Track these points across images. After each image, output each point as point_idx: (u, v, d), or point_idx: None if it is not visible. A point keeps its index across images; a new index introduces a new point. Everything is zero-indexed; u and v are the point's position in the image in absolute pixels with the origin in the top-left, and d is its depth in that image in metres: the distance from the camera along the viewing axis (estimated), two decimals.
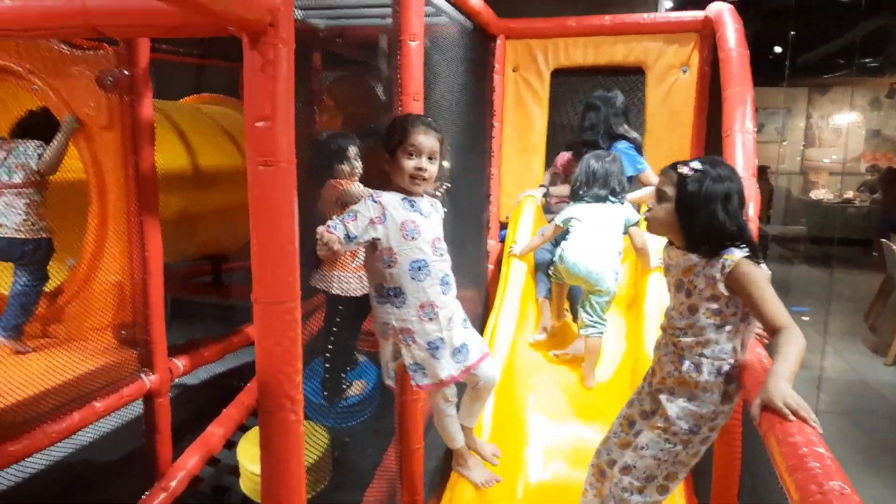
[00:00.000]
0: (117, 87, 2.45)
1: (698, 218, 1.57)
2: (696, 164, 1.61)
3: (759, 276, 1.53)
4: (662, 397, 1.72)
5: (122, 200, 2.53)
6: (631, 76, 3.54)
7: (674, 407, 1.67)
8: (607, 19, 3.26)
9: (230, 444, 2.90)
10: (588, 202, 2.73)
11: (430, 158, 1.84)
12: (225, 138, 3.66)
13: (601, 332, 2.69)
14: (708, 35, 3.15)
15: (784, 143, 9.81)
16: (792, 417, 1.27)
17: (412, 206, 1.87)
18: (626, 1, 4.40)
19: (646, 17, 3.22)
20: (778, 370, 1.37)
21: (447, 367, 1.96)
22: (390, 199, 1.85)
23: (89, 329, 2.57)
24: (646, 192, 2.97)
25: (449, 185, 2.27)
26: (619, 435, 1.90)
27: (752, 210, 2.07)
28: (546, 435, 2.57)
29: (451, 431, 2.19)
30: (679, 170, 1.61)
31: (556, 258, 2.78)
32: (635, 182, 3.24)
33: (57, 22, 1.37)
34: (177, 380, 2.89)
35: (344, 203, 2.51)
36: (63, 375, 2.26)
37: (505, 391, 2.56)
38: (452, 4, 2.81)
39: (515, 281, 2.96)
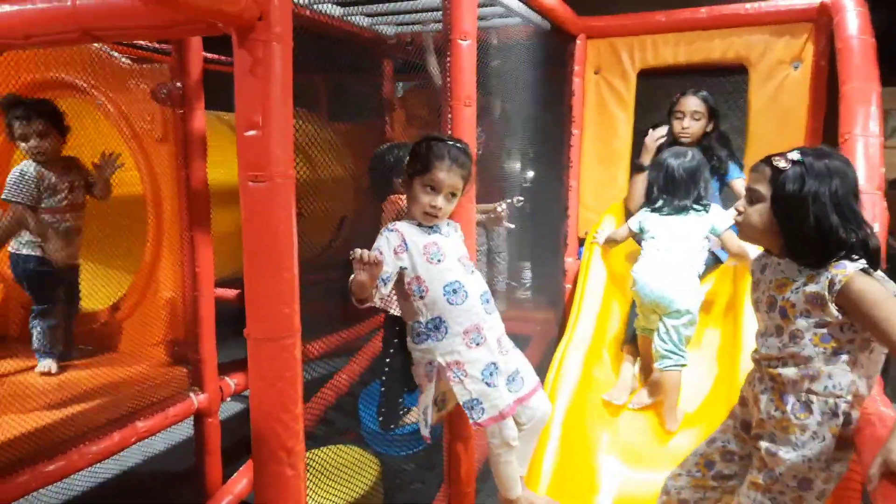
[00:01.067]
0: (170, 100, 2.39)
1: (803, 222, 1.30)
2: (795, 155, 1.34)
3: (882, 293, 1.24)
4: (763, 445, 1.42)
5: (176, 214, 2.48)
6: (730, 76, 3.15)
7: (777, 458, 1.38)
8: (703, 11, 2.89)
9: None
10: (666, 214, 2.40)
11: (451, 194, 1.72)
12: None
13: (680, 365, 2.33)
14: (825, 24, 2.70)
15: None
16: None
17: (431, 229, 1.74)
18: None
19: (749, 6, 2.81)
20: None
21: (505, 397, 1.76)
22: (406, 226, 1.72)
23: (142, 345, 2.53)
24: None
25: (522, 200, 2.09)
26: (694, 475, 1.66)
27: (877, 228, 1.67)
28: (620, 483, 2.25)
29: (509, 478, 1.93)
30: (774, 163, 1.35)
31: (631, 283, 2.45)
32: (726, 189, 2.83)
33: (49, 27, 1.26)
34: (234, 397, 2.82)
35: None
36: (107, 394, 2.21)
37: (571, 430, 2.26)
38: (525, 3, 2.56)
39: (592, 295, 2.66)
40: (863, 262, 1.28)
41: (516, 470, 1.94)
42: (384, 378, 2.64)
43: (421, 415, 1.81)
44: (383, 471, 2.54)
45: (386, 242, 1.67)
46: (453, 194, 1.72)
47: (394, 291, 1.75)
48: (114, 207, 2.62)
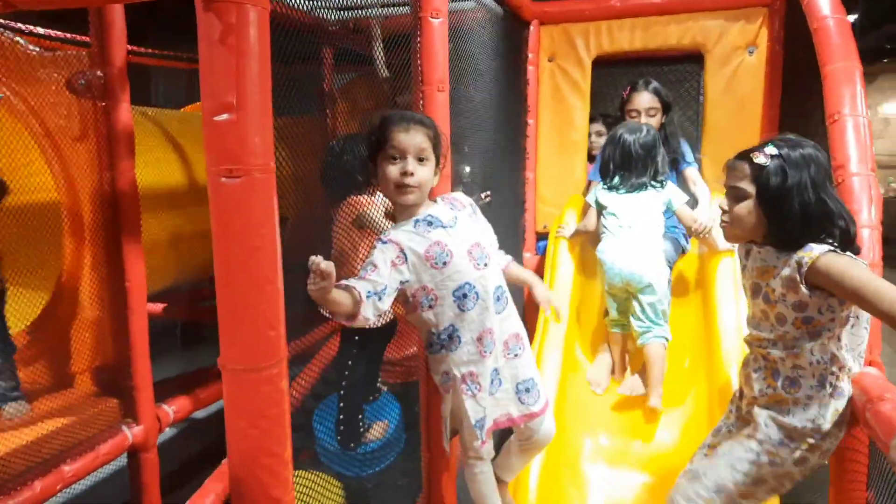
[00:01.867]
0: (90, 91, 2.08)
1: (790, 211, 1.36)
2: (772, 149, 1.39)
3: (847, 264, 1.30)
4: (755, 409, 1.51)
5: (99, 222, 2.16)
6: (685, 63, 3.11)
7: (763, 413, 1.48)
8: None
9: (228, 502, 2.50)
10: (625, 192, 2.35)
11: (419, 160, 1.47)
12: None
13: (663, 338, 2.28)
14: (779, 9, 2.69)
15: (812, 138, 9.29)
16: None
17: (429, 224, 1.49)
18: None
19: None
20: None
21: (508, 406, 1.63)
22: (401, 234, 1.48)
23: (62, 375, 2.20)
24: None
25: (489, 196, 1.89)
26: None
27: (874, 213, 1.62)
28: (608, 486, 2.14)
29: (482, 495, 1.76)
30: (754, 159, 1.39)
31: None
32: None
33: None
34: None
35: (362, 226, 2.10)
36: (24, 435, 1.89)
37: (555, 439, 2.12)
38: None
39: (562, 292, 2.52)
40: (829, 245, 1.33)
41: (491, 483, 1.77)
42: (342, 391, 2.42)
43: (444, 426, 1.68)
44: (346, 494, 2.32)
45: (381, 255, 1.44)
46: (423, 158, 1.47)
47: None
48: (23, 216, 2.27)
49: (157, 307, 3.78)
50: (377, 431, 2.60)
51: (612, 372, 2.45)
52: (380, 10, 2.79)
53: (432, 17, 1.71)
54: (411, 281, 1.47)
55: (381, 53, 2.73)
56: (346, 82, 3.74)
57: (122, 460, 2.31)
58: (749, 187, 1.40)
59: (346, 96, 3.55)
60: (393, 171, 1.46)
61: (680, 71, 3.36)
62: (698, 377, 2.36)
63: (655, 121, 2.60)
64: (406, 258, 1.45)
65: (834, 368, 1.41)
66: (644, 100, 2.58)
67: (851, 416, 1.55)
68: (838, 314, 1.36)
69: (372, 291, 1.36)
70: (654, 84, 2.61)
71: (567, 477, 2.14)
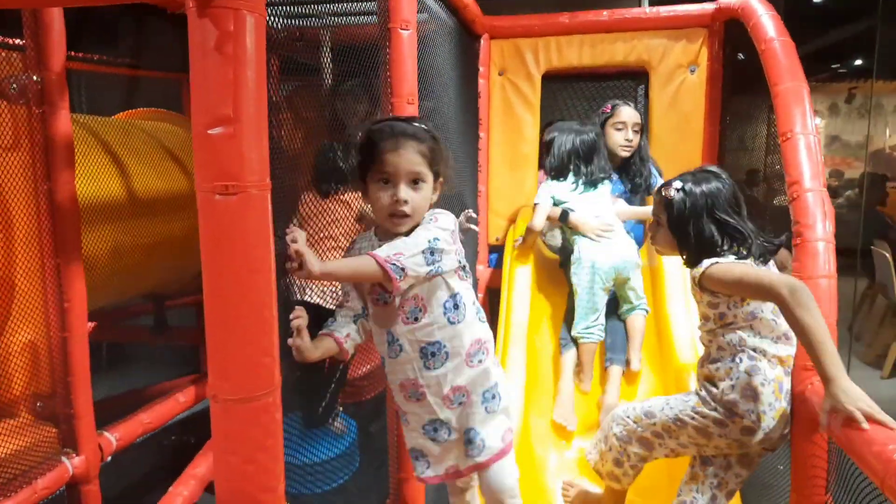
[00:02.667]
0: (24, 97, 1.93)
1: (688, 235, 1.67)
2: (678, 183, 1.70)
3: (725, 268, 1.58)
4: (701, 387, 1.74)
5: (34, 238, 2.00)
6: (630, 80, 3.21)
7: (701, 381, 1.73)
8: (605, 14, 2.90)
9: None
10: (585, 191, 2.51)
11: (413, 182, 1.35)
12: (166, 158, 3.13)
13: (645, 309, 2.49)
14: (718, 30, 2.82)
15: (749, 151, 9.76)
16: (866, 425, 1.30)
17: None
18: None
19: (649, 11, 2.87)
20: (829, 367, 1.38)
21: (458, 457, 1.52)
22: (361, 244, 1.44)
23: None
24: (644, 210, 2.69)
25: (474, 215, 1.81)
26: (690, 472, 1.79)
27: (828, 227, 1.70)
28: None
29: None
30: (664, 193, 1.72)
31: (578, 268, 2.44)
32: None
33: None
34: None
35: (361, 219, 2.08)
36: None
37: (524, 457, 2.11)
38: None
39: (520, 308, 2.53)
40: (713, 259, 1.61)
41: None
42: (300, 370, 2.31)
43: None
44: None
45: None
46: (419, 180, 1.35)
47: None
48: None
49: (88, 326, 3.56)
50: (340, 426, 2.55)
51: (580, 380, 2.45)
52: (331, 19, 2.73)
53: (402, 29, 1.68)
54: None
55: (329, 63, 2.67)
56: (290, 91, 3.65)
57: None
58: (663, 215, 1.72)
59: (290, 105, 3.45)
60: (384, 197, 1.34)
61: (619, 87, 3.46)
62: (655, 374, 2.44)
63: (638, 138, 2.65)
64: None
65: (745, 349, 1.62)
66: (630, 113, 2.65)
67: (810, 421, 1.63)
68: (741, 309, 1.62)
69: (355, 316, 1.40)
70: (627, 104, 2.70)
71: (534, 490, 2.13)
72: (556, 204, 2.51)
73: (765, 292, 1.50)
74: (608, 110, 2.67)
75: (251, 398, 0.93)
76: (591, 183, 2.50)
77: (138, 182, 2.80)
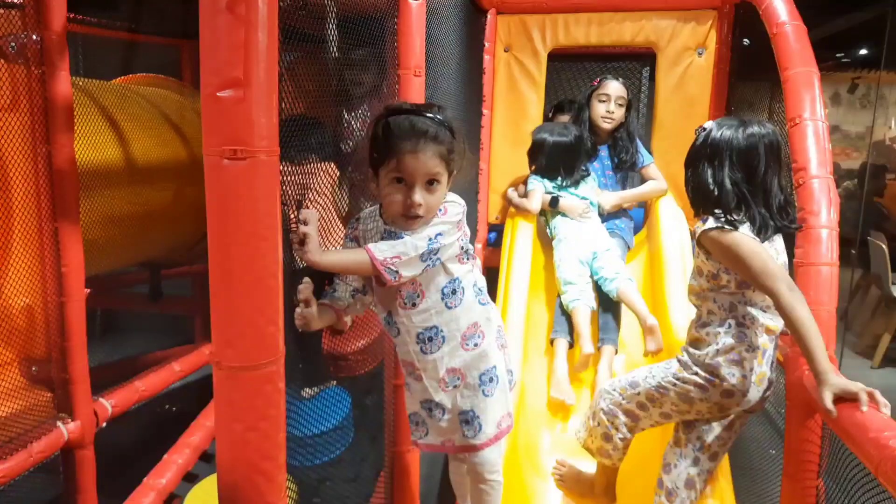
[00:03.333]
0: (22, 56, 1.89)
1: (689, 178, 1.64)
2: (709, 123, 1.63)
3: (738, 240, 1.51)
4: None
5: (31, 201, 1.98)
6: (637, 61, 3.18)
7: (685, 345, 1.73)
8: None
9: (171, 498, 2.37)
10: (569, 188, 2.62)
11: (429, 184, 1.29)
12: (165, 124, 3.09)
13: (629, 278, 2.47)
14: (728, 12, 2.79)
15: None
16: (866, 406, 1.34)
17: (385, 239, 1.36)
18: None
19: None
20: (823, 363, 1.40)
21: (452, 434, 1.52)
22: (366, 229, 1.40)
23: None
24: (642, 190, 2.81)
25: None
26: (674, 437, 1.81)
27: (833, 214, 1.69)
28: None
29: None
30: (694, 130, 1.66)
31: (559, 245, 2.55)
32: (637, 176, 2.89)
33: None
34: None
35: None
36: None
37: (515, 434, 2.12)
38: None
39: (516, 293, 2.52)
40: (722, 221, 1.53)
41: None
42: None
43: None
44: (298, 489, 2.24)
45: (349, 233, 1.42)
46: (434, 181, 1.29)
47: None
48: None
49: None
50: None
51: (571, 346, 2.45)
52: None
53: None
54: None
55: (335, 33, 2.63)
56: (291, 61, 3.59)
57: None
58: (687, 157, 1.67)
59: (292, 75, 3.41)
60: (397, 196, 1.29)
61: (625, 69, 3.44)
62: (651, 360, 2.44)
63: (621, 113, 2.68)
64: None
65: (735, 315, 1.61)
66: (616, 87, 2.69)
67: (804, 406, 1.64)
68: (734, 276, 1.58)
69: (356, 289, 1.41)
70: (622, 79, 2.70)
71: (529, 470, 2.15)
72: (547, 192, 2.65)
73: (763, 282, 1.48)
74: (596, 83, 2.74)
75: (255, 366, 0.93)
76: (574, 182, 2.63)
77: (136, 148, 2.77)
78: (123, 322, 5.06)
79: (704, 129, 1.62)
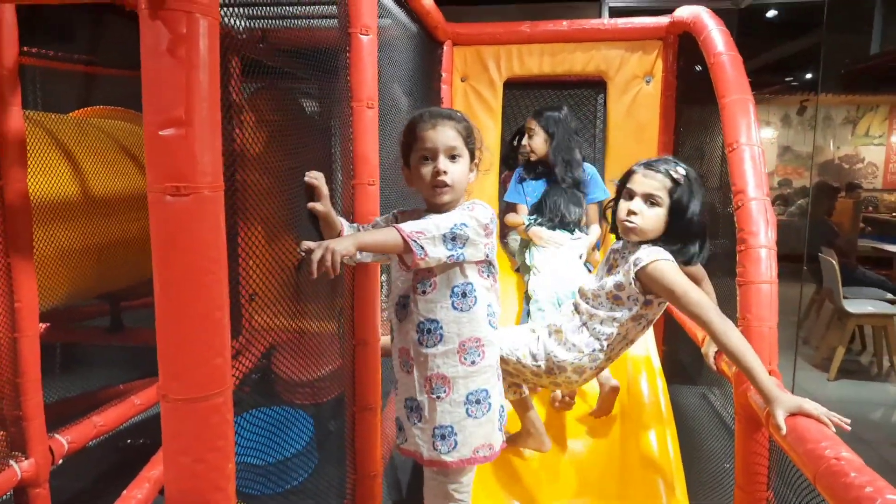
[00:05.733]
0: None
1: (690, 221, 1.65)
2: (682, 169, 1.67)
3: (677, 271, 1.59)
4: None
5: None
6: (590, 89, 3.28)
7: (546, 332, 1.82)
8: (564, 24, 2.97)
9: None
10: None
11: (451, 157, 1.47)
12: (122, 156, 3.08)
13: None
14: (672, 42, 2.91)
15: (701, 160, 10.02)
16: (828, 420, 1.37)
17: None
18: (571, 9, 4.15)
19: (606, 22, 2.94)
20: (767, 386, 1.44)
21: (421, 445, 1.55)
22: (408, 215, 1.56)
23: None
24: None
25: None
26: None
27: (770, 234, 1.77)
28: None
29: None
30: (672, 173, 1.65)
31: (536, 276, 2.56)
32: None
33: None
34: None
35: None
36: None
37: None
38: (399, 4, 2.42)
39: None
40: (666, 255, 1.62)
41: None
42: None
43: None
44: None
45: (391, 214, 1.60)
46: (456, 156, 1.46)
47: None
48: None
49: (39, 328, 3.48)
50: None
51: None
52: (292, 21, 2.73)
53: (361, 34, 1.70)
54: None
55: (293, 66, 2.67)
56: (251, 93, 3.63)
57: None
58: (665, 196, 1.65)
59: (252, 107, 3.43)
60: (426, 172, 1.46)
61: (579, 95, 3.54)
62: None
63: (535, 143, 2.73)
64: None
65: (602, 343, 1.73)
66: (529, 122, 2.77)
67: (751, 420, 1.69)
68: (637, 310, 1.68)
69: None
70: (549, 113, 2.75)
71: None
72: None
73: (697, 313, 1.53)
74: None
75: (202, 398, 0.94)
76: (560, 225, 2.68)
77: (94, 181, 2.76)
78: (83, 356, 4.95)
79: (686, 176, 1.66)
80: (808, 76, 7.27)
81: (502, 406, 1.60)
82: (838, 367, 4.86)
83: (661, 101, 2.96)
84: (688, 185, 1.65)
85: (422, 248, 1.33)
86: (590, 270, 2.71)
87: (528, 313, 2.53)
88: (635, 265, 1.63)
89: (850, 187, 8.08)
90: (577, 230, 2.67)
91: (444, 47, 3.01)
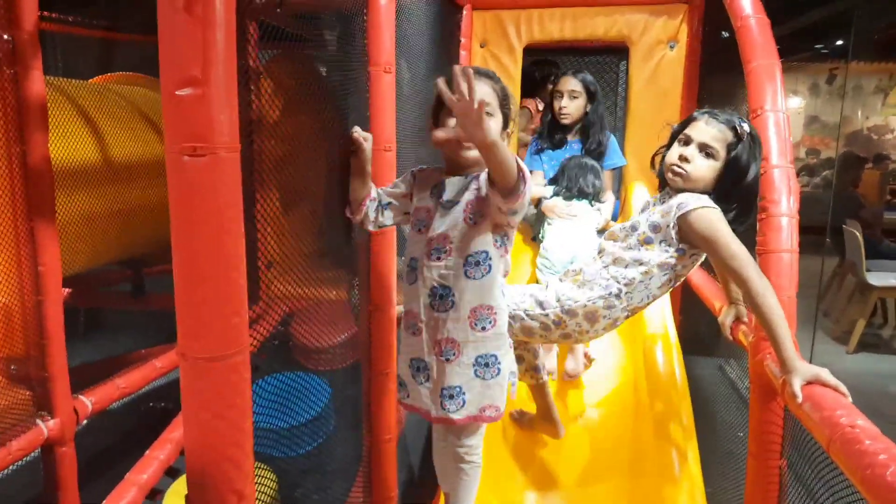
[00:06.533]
0: None
1: (739, 184, 1.59)
2: (747, 126, 1.60)
3: (723, 223, 1.55)
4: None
5: (6, 200, 1.99)
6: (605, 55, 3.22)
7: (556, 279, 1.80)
8: None
9: (153, 493, 2.39)
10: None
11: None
12: (143, 123, 3.10)
13: None
14: (698, 6, 2.83)
15: None
16: (844, 389, 1.35)
17: (434, 190, 1.52)
18: None
19: None
20: (790, 351, 1.42)
21: (430, 403, 1.57)
22: (426, 175, 1.56)
23: None
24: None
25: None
26: None
27: (792, 203, 1.74)
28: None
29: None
30: (737, 126, 1.59)
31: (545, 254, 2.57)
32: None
33: None
34: None
35: None
36: None
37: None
38: None
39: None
40: (712, 204, 1.59)
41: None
42: None
43: None
44: (278, 480, 2.27)
45: (401, 179, 1.60)
46: (489, 114, 1.37)
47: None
48: None
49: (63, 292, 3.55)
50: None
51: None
52: None
53: None
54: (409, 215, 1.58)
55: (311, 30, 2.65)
56: (269, 59, 3.61)
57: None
58: (722, 151, 1.58)
59: (270, 73, 3.42)
60: (451, 122, 1.40)
61: (600, 62, 3.48)
62: (625, 344, 2.50)
63: (575, 105, 2.71)
64: (413, 193, 1.57)
65: (622, 288, 1.65)
66: (568, 81, 2.73)
67: (767, 389, 1.69)
68: (666, 258, 1.61)
69: (377, 199, 1.56)
70: (583, 73, 2.72)
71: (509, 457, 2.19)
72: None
73: (737, 267, 1.50)
74: (556, 79, 2.81)
75: (221, 357, 0.95)
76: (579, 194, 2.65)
77: (115, 147, 2.78)
78: (107, 320, 5.06)
79: (749, 134, 1.61)
80: (839, 43, 7.06)
81: (513, 372, 1.60)
82: (858, 340, 4.81)
83: (684, 68, 2.90)
84: (749, 144, 1.58)
85: (525, 190, 1.31)
86: None
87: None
88: (679, 209, 1.57)
89: (878, 158, 7.90)
90: (595, 201, 2.65)
91: (464, 12, 2.96)
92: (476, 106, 1.18)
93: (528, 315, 1.72)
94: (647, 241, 1.64)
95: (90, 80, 3.54)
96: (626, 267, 1.65)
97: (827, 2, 5.41)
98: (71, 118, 2.57)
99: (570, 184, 2.61)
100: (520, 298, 1.74)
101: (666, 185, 1.71)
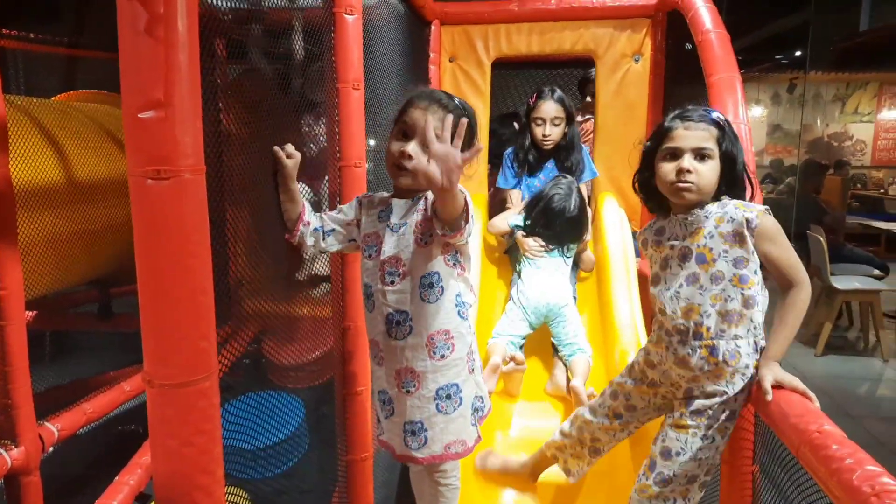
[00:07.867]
0: None
1: (738, 173, 1.54)
2: (720, 116, 1.54)
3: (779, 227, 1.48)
4: (697, 403, 1.55)
5: None
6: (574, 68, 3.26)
7: (707, 402, 1.53)
8: (553, 3, 2.93)
9: None
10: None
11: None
12: (107, 141, 3.05)
13: (582, 349, 2.43)
14: (661, 20, 2.89)
15: None
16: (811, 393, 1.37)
17: (381, 214, 1.46)
18: None
19: (595, 0, 2.91)
20: (781, 351, 1.42)
21: (393, 438, 1.53)
22: (372, 200, 1.51)
23: None
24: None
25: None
26: (603, 420, 1.80)
27: None
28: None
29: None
30: (714, 118, 1.52)
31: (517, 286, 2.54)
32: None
33: None
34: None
35: None
36: None
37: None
38: None
39: None
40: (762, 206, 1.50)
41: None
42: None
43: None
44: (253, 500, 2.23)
45: (347, 206, 1.53)
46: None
47: None
48: None
49: (26, 316, 3.46)
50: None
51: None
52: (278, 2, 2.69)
53: (346, 14, 1.68)
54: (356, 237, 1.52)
55: (301, 45, 2.63)
56: (235, 76, 3.59)
57: None
58: (715, 148, 1.50)
59: (236, 91, 3.40)
60: (394, 147, 1.37)
61: (568, 75, 3.53)
62: (599, 358, 2.52)
63: (558, 132, 2.71)
64: (361, 220, 1.50)
65: (761, 331, 1.50)
66: (550, 109, 2.68)
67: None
68: (760, 277, 1.48)
69: (319, 227, 1.48)
70: (559, 93, 2.71)
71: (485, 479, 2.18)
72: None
73: (797, 270, 1.44)
74: (532, 102, 2.74)
75: (188, 383, 0.93)
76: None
77: (79, 165, 2.73)
78: (74, 343, 4.94)
79: (724, 120, 1.53)
80: (798, 54, 7.26)
81: (479, 397, 1.53)
82: (825, 343, 4.92)
83: (650, 80, 2.95)
84: (730, 131, 1.52)
85: (467, 229, 1.29)
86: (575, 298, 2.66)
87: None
88: (749, 225, 1.44)
89: (839, 165, 8.12)
90: (572, 250, 2.59)
91: (432, 27, 2.98)
92: (459, 162, 1.15)
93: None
94: (742, 280, 1.47)
95: (53, 98, 3.47)
96: (749, 318, 1.49)
97: (784, 14, 5.57)
98: (33, 137, 2.51)
99: (553, 236, 2.53)
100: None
101: (668, 209, 1.60)
